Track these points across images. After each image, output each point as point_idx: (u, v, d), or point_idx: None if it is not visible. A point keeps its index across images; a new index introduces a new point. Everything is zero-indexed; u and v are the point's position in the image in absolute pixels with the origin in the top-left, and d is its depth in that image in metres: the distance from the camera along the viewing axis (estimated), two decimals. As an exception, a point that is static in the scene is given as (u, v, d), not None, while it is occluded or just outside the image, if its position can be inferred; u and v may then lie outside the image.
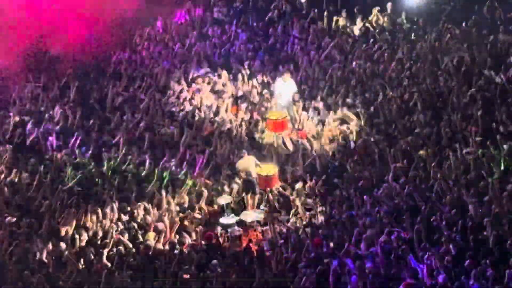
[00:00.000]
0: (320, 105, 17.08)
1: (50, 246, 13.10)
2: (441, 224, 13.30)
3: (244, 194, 15.03)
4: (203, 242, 14.01)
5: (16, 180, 15.27)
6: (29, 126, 17.30)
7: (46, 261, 12.99)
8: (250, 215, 15.03)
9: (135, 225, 13.88)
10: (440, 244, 12.78)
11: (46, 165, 15.57)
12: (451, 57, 18.91)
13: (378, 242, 13.09)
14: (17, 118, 17.88)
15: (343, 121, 16.41)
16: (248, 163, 15.17)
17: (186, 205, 14.80)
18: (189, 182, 14.98)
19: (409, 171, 14.78)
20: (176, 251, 13.50)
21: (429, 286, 12.40)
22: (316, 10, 21.57)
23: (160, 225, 13.67)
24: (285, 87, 17.10)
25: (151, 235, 13.43)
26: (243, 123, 17.00)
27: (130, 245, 13.41)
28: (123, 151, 15.91)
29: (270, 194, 14.96)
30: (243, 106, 17.51)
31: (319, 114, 16.97)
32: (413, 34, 20.33)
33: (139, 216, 14.09)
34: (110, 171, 15.36)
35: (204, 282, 12.77)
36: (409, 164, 15.08)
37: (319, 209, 14.29)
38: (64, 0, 22.51)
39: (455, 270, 12.59)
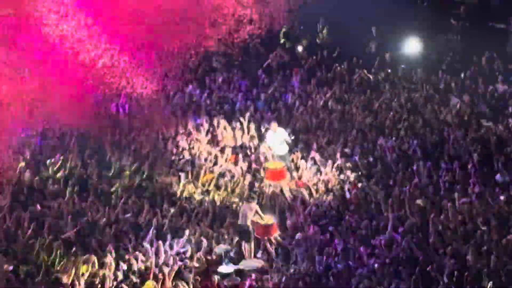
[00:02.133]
0: (318, 154, 17.62)
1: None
2: (439, 274, 13.39)
3: (242, 243, 15.24)
4: None
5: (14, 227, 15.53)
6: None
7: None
8: (249, 264, 15.21)
9: (134, 273, 14.19)
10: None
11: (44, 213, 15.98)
12: (449, 107, 19.65)
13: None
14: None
15: (341, 170, 16.97)
16: (249, 212, 15.50)
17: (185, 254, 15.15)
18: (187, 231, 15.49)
19: (407, 220, 15.22)
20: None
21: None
22: (314, 59, 22.61)
23: (159, 274, 14.00)
24: (276, 136, 17.71)
25: (150, 283, 13.76)
26: (246, 174, 17.50)
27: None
28: (122, 200, 16.50)
29: (268, 243, 15.24)
30: (241, 156, 17.99)
31: (315, 163, 17.41)
32: (412, 84, 21.14)
33: (138, 264, 14.42)
34: (107, 220, 15.83)
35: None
36: (407, 214, 15.54)
37: (317, 258, 14.54)
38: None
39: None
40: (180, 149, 18.66)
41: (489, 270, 13.68)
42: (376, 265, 14.50)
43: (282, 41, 24.86)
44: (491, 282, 13.29)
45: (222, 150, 18.38)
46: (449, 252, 14.43)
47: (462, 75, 20.93)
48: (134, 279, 14.26)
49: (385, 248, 14.79)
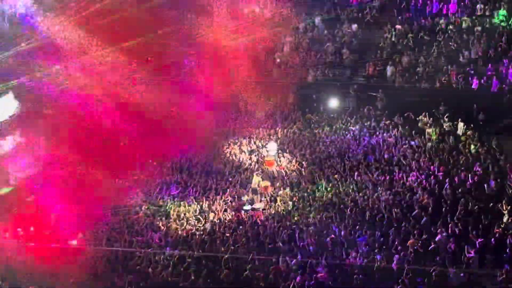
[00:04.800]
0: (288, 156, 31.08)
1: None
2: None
3: (254, 195, 27.94)
4: (236, 218, 26.31)
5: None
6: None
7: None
8: (257, 205, 27.46)
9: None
10: None
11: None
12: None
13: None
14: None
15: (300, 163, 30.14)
16: (257, 179, 28.60)
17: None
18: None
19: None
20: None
21: None
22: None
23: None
24: (272, 146, 31.00)
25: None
26: (254, 163, 31.05)
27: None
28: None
29: (266, 195, 28.14)
30: (253, 155, 31.53)
31: (289, 159, 30.84)
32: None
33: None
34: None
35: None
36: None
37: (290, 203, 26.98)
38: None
39: None
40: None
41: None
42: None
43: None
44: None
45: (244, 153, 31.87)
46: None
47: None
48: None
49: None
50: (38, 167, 24.31)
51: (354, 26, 40.06)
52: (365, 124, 33.82)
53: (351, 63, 38.30)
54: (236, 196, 27.90)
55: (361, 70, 38.00)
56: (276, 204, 27.23)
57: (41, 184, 23.82)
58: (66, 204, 22.92)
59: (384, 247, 22.82)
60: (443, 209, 24.59)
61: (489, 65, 33.98)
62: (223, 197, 27.76)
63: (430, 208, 24.76)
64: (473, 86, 33.52)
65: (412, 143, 30.51)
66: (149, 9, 23.92)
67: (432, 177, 26.92)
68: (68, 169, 23.94)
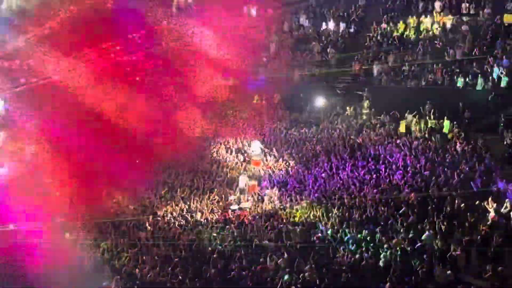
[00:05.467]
0: (275, 154, 31.24)
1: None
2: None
3: (241, 195, 27.90)
4: (222, 217, 26.14)
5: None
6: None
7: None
8: (244, 204, 27.35)
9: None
10: None
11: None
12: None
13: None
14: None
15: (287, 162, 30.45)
16: (244, 179, 28.55)
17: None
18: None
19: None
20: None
21: None
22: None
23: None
24: (256, 145, 30.98)
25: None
26: (241, 162, 31.15)
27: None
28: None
29: (253, 194, 28.14)
30: (240, 155, 31.58)
31: (275, 157, 31.22)
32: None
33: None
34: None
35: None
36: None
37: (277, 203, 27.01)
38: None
39: None
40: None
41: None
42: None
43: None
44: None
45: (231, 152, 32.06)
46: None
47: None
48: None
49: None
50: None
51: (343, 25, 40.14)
52: (352, 122, 34.07)
53: (337, 62, 38.44)
54: (223, 196, 27.90)
55: (348, 68, 38.10)
56: (263, 203, 27.21)
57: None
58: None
59: (371, 245, 22.82)
60: (429, 207, 24.59)
61: (474, 63, 34.13)
62: (210, 197, 27.78)
63: (416, 206, 24.80)
64: (458, 85, 33.71)
65: (398, 141, 30.50)
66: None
67: (418, 175, 27.01)
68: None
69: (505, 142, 29.57)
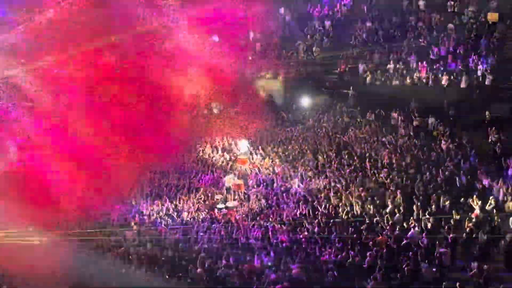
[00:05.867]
0: (261, 152, 31.38)
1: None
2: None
3: (227, 194, 28.34)
4: (209, 217, 26.46)
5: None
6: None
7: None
8: (231, 204, 27.71)
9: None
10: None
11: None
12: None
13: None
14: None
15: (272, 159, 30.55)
16: (230, 178, 28.98)
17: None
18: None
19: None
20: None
21: None
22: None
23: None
24: (243, 144, 31.28)
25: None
26: (228, 161, 31.34)
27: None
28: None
29: (240, 193, 28.50)
30: (226, 154, 31.86)
31: (261, 156, 31.34)
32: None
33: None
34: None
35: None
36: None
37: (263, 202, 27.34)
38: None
39: None
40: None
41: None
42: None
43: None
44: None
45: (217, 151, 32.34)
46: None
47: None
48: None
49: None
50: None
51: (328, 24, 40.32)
52: (338, 120, 34.33)
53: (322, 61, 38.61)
54: (209, 195, 28.12)
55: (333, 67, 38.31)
56: (250, 202, 27.42)
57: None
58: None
59: (357, 242, 22.92)
60: (415, 205, 24.78)
61: (458, 61, 34.45)
62: (196, 196, 28.04)
63: (402, 204, 25.02)
64: (443, 82, 33.99)
65: (384, 139, 30.71)
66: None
67: (404, 173, 27.20)
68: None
69: (489, 140, 29.56)
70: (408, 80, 35.33)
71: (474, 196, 24.61)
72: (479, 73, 33.47)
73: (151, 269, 22.72)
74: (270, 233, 24.29)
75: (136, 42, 24.40)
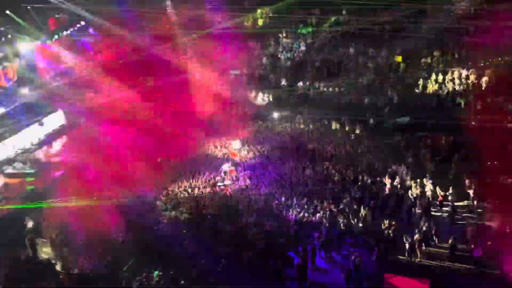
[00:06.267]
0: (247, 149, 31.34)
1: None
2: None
3: (224, 176, 28.25)
4: (212, 191, 26.79)
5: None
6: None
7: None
8: (227, 182, 27.28)
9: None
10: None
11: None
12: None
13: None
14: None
15: (254, 153, 31.05)
16: (226, 165, 29.02)
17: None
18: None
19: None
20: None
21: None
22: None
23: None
24: (236, 143, 31.55)
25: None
26: (224, 154, 31.59)
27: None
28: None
29: (233, 176, 28.24)
30: (224, 149, 31.86)
31: (247, 151, 31.23)
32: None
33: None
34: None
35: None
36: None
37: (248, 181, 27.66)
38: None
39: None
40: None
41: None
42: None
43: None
44: None
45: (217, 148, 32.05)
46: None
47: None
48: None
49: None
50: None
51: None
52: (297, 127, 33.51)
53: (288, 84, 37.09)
54: (212, 176, 28.15)
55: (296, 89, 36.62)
56: (239, 181, 27.67)
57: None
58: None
59: (311, 208, 23.72)
60: (348, 182, 25.69)
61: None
62: (204, 178, 28.14)
63: (339, 181, 25.81)
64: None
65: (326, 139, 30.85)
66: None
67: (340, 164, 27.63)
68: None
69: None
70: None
71: (386, 176, 25.44)
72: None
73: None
74: (252, 202, 24.87)
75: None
